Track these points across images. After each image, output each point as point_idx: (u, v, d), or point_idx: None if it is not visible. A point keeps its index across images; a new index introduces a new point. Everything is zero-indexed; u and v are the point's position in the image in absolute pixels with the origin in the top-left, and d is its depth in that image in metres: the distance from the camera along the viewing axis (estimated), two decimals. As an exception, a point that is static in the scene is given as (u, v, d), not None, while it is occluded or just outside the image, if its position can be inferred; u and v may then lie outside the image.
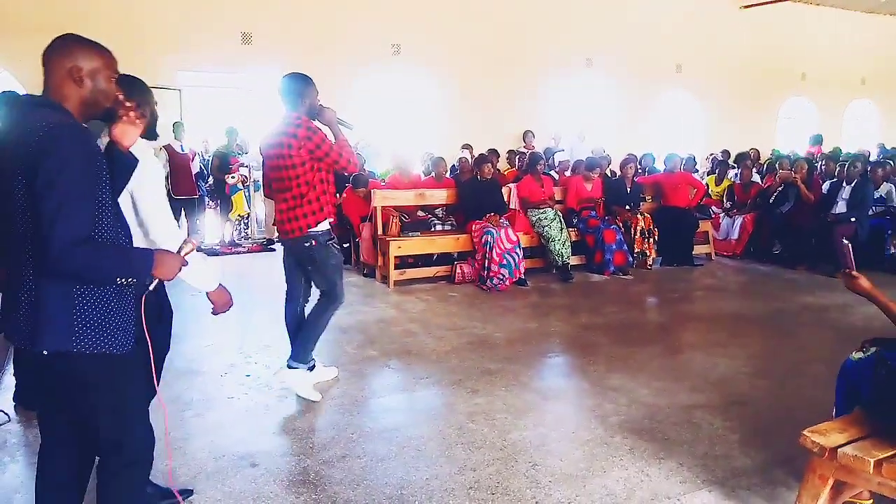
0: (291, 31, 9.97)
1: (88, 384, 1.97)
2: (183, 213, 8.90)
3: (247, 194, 9.72)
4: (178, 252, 2.14)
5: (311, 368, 4.04)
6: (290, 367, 3.99)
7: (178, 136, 8.86)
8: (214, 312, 2.63)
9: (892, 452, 2.28)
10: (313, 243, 3.87)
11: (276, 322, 4.44)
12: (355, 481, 2.99)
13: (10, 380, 4.25)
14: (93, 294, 1.92)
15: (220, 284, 2.60)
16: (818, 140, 13.03)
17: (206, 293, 2.59)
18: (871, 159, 10.74)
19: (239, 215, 9.68)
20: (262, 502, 2.84)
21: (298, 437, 3.48)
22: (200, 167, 9.09)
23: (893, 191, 8.10)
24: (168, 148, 8.65)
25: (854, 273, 2.71)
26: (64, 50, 1.95)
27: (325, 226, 3.91)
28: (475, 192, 7.36)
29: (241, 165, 9.57)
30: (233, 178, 9.33)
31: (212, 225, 10.32)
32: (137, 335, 2.05)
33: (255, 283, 7.42)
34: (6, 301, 1.99)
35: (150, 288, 2.12)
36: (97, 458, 2.15)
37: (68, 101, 1.95)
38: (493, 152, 9.62)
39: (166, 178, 8.72)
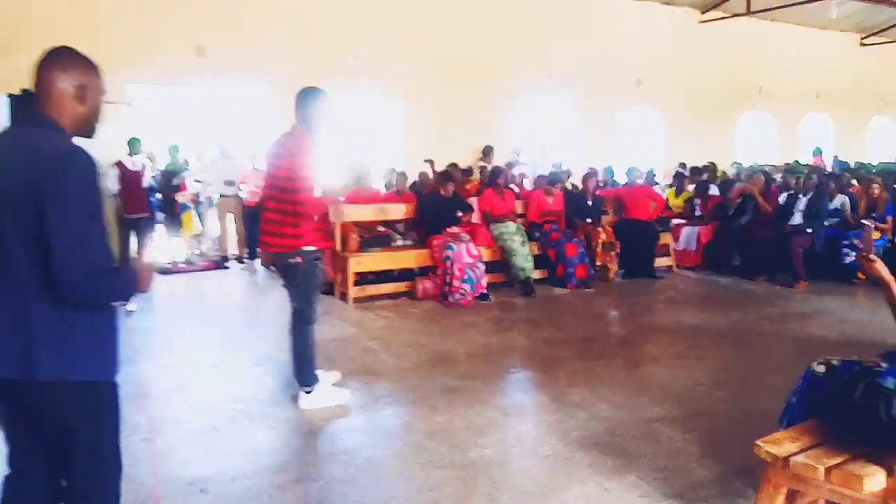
0: (247, 46, 9.81)
1: (79, 411, 1.92)
2: (133, 232, 8.67)
3: (199, 212, 9.50)
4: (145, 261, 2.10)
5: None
6: (306, 392, 3.98)
7: (134, 151, 8.64)
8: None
9: (841, 459, 2.28)
10: (298, 260, 3.80)
11: (228, 342, 4.33)
12: (309, 505, 2.91)
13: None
14: (89, 320, 1.89)
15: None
16: (818, 151, 13.54)
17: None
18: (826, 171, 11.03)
19: (192, 235, 9.47)
20: (209, 531, 2.74)
21: (251, 460, 3.37)
22: (151, 183, 8.84)
23: (847, 202, 8.29)
24: (120, 165, 8.42)
25: (872, 257, 2.66)
26: (68, 65, 1.90)
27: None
28: (436, 206, 7.33)
29: (197, 182, 9.35)
30: (182, 196, 9.12)
31: (164, 243, 10.08)
32: None
33: (208, 303, 7.29)
34: None
35: (132, 307, 2.11)
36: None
37: (64, 119, 1.90)
38: (455, 167, 9.60)
39: (116, 196, 8.49)
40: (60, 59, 1.91)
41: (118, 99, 8.98)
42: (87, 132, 1.99)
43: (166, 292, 7.83)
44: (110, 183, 8.37)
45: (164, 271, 8.79)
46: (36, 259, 1.77)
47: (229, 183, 8.90)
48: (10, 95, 8.02)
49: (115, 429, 2.07)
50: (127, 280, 1.96)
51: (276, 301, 7.07)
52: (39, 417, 1.96)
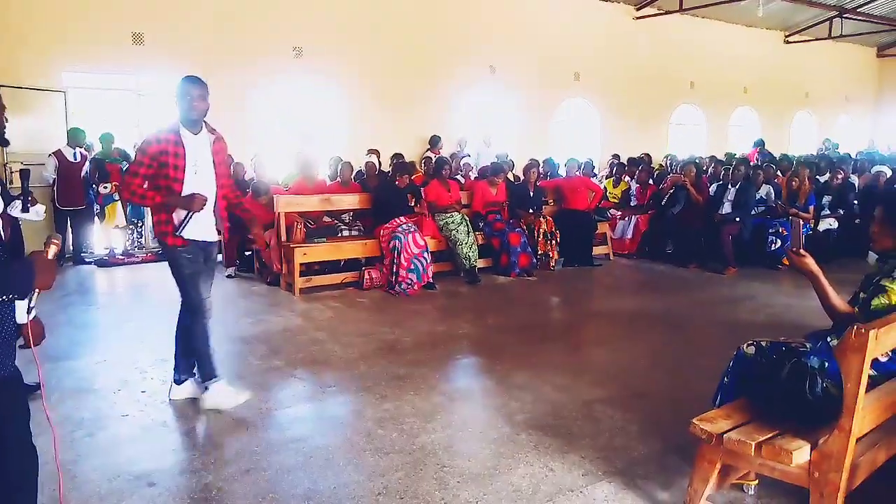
0: (186, 33, 9.57)
1: None
2: (69, 223, 8.38)
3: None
4: (48, 255, 1.97)
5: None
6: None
7: (77, 142, 8.32)
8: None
9: (770, 435, 2.45)
10: (167, 245, 3.78)
11: (170, 335, 4.25)
12: (260, 495, 2.92)
13: None
14: None
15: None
16: (760, 143, 14.16)
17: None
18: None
19: (116, 226, 9.17)
20: (160, 523, 2.72)
21: (199, 453, 3.35)
22: (86, 173, 8.53)
23: (772, 192, 8.71)
24: (58, 154, 8.11)
25: (802, 252, 2.74)
26: None
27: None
28: (391, 196, 7.34)
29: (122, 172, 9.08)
30: (106, 187, 8.79)
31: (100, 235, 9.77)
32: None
33: (150, 295, 7.11)
34: None
35: (33, 303, 1.97)
36: None
37: None
38: (400, 157, 9.63)
39: (52, 186, 8.19)
40: None
41: (54, 86, 8.67)
42: None
43: (106, 285, 7.62)
44: (47, 173, 8.08)
45: (103, 263, 8.53)
46: None
47: None
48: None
49: (19, 424, 2.01)
50: (11, 273, 1.87)
51: (222, 293, 6.99)
52: None
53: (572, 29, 13.58)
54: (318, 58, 10.79)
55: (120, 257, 8.82)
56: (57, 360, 4.55)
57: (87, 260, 8.61)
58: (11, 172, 7.63)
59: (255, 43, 10.11)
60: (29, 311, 1.98)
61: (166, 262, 3.85)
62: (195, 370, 3.99)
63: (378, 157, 9.43)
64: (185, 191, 3.68)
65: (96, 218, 9.05)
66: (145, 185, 3.67)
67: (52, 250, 1.97)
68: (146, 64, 9.36)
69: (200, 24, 9.69)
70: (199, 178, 3.73)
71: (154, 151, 3.62)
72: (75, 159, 8.24)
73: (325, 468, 3.16)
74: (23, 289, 1.86)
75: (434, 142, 11.40)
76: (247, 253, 8.00)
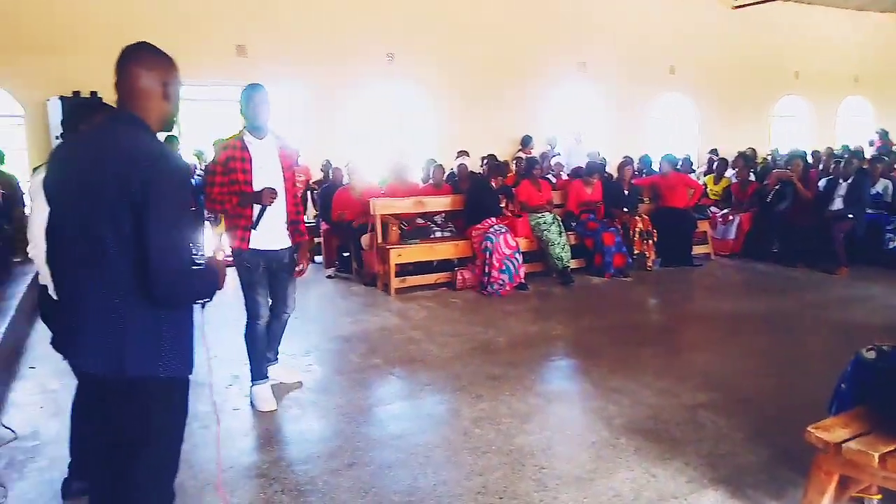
0: (285, 44, 9.99)
1: (160, 406, 1.96)
2: None
3: None
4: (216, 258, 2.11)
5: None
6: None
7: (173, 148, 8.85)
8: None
9: (895, 447, 2.30)
10: (233, 249, 3.99)
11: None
12: (363, 489, 3.01)
13: (15, 396, 4.28)
14: (175, 318, 1.93)
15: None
16: (884, 134, 13.38)
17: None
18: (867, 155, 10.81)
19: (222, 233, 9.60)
20: (271, 512, 2.86)
21: (305, 446, 3.49)
22: (197, 181, 9.05)
23: (890, 186, 8.14)
24: None
25: None
26: (152, 63, 1.92)
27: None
28: (484, 196, 7.38)
29: None
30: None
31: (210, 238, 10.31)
32: None
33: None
34: (67, 325, 1.97)
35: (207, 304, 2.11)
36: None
37: (149, 117, 1.91)
38: (493, 157, 9.67)
39: None
40: (143, 56, 1.93)
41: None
42: (169, 127, 2.01)
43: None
44: None
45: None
46: (131, 259, 1.79)
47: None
48: (63, 98, 8.27)
49: (183, 424, 2.14)
50: (208, 278, 2.00)
51: (322, 293, 7.27)
52: (118, 414, 1.95)
53: (667, 21, 13.18)
54: (410, 62, 11.00)
55: (229, 259, 9.26)
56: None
57: (197, 262, 9.05)
58: None
59: (351, 50, 10.43)
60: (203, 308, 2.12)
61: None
62: (276, 355, 4.33)
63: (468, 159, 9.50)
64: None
65: (207, 222, 9.57)
66: (223, 193, 3.86)
67: (221, 254, 2.13)
68: (249, 74, 9.81)
69: (299, 34, 10.09)
70: (267, 182, 3.87)
71: (223, 159, 3.83)
72: None
73: (424, 465, 3.22)
74: (213, 292, 2.01)
75: (526, 141, 11.37)
76: (345, 255, 8.25)
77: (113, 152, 1.82)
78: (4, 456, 3.41)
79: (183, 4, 9.42)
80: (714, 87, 13.92)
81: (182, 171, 1.90)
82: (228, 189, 3.85)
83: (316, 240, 9.13)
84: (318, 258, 8.78)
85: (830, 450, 2.38)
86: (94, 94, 7.93)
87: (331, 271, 8.08)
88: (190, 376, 2.05)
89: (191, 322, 2.03)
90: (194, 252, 1.94)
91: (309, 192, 9.50)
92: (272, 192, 3.82)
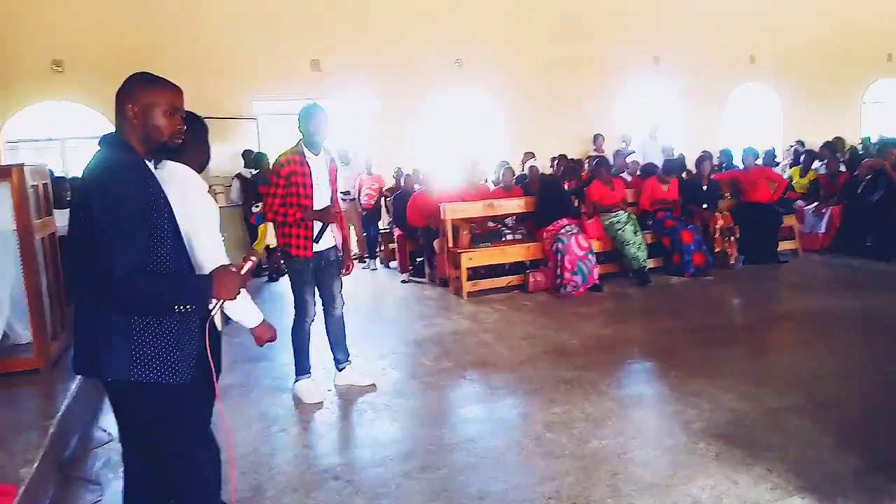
0: (358, 56, 10.23)
1: (145, 412, 2.10)
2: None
3: None
4: (241, 269, 2.13)
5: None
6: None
7: (250, 164, 9.14)
8: (259, 345, 2.64)
9: None
10: (291, 256, 4.20)
11: (353, 337, 4.55)
12: (435, 492, 3.03)
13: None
14: (153, 324, 2.01)
15: (263, 319, 2.58)
16: None
17: (250, 328, 2.57)
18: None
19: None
20: (346, 514, 2.92)
21: (379, 449, 3.55)
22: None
23: None
24: (239, 177, 9.05)
25: None
26: (124, 88, 2.07)
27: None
28: (557, 197, 7.33)
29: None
30: (257, 206, 8.74)
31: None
32: (199, 362, 2.14)
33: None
34: (73, 331, 2.15)
35: (214, 312, 2.17)
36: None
37: (132, 138, 2.05)
38: (564, 157, 9.59)
39: (242, 205, 9.08)
40: (124, 85, 2.08)
41: (246, 115, 9.71)
42: (155, 147, 2.10)
43: (282, 291, 8.26)
44: (234, 194, 8.98)
45: (272, 277, 8.83)
46: (94, 265, 1.91)
47: (346, 193, 9.06)
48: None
49: (195, 426, 2.20)
50: (188, 285, 2.04)
51: (397, 297, 7.39)
52: (119, 413, 2.23)
53: (744, 7, 12.66)
54: (478, 66, 11.03)
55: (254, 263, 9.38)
56: (255, 360, 5.03)
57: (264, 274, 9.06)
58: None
59: (422, 59, 10.59)
60: (210, 319, 2.17)
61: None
62: (347, 356, 4.48)
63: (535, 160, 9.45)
64: (316, 206, 4.07)
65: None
66: (284, 205, 4.05)
67: (247, 266, 2.16)
68: (323, 88, 10.11)
69: (369, 46, 10.32)
70: (322, 195, 4.11)
71: (286, 173, 4.01)
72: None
73: (496, 469, 3.21)
74: (199, 300, 2.02)
75: (596, 140, 11.19)
76: (418, 259, 8.35)
77: (87, 171, 2.01)
78: (101, 456, 3.63)
79: (260, 25, 9.81)
80: (798, 74, 13.23)
81: (137, 178, 1.96)
82: (287, 201, 4.04)
83: (391, 245, 9.30)
84: (393, 263, 8.92)
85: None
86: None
87: (405, 276, 8.22)
88: (178, 382, 2.07)
89: (182, 326, 2.07)
90: (169, 258, 2.02)
91: (382, 200, 9.66)
92: (336, 214, 4.14)
